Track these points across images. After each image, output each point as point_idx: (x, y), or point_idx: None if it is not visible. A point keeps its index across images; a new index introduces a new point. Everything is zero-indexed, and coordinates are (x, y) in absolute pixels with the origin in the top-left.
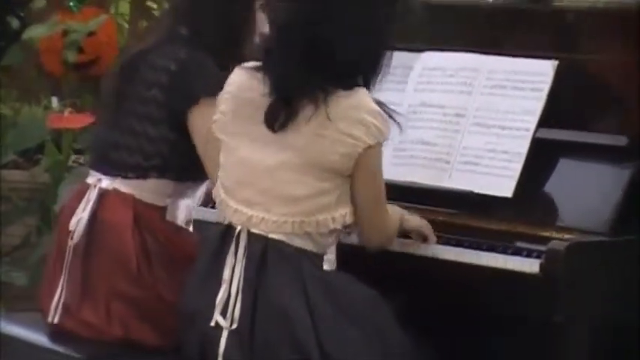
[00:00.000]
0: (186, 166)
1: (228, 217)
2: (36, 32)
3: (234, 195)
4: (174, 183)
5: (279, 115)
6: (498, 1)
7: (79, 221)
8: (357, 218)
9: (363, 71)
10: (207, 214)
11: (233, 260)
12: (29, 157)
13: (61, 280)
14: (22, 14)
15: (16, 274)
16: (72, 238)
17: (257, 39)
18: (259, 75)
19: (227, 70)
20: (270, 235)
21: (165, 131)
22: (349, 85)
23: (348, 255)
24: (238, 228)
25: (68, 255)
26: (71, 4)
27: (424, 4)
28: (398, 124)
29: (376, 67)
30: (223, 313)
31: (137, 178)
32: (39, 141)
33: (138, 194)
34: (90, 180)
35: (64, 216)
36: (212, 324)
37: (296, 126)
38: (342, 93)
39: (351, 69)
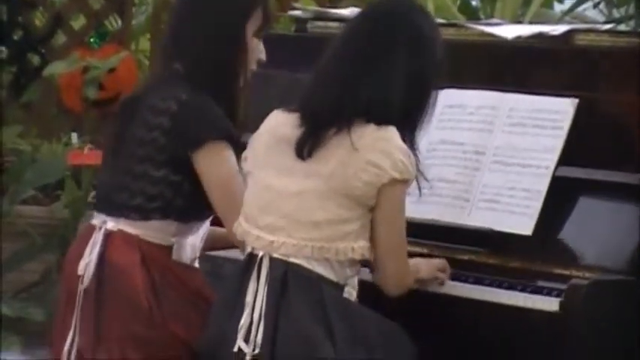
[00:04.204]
0: (190, 207)
1: (250, 244)
2: (56, 69)
3: (256, 222)
4: (177, 223)
5: (308, 141)
6: (519, 39)
7: (87, 265)
8: (375, 258)
9: (401, 113)
10: (227, 252)
11: (255, 285)
12: (49, 193)
13: (73, 324)
14: (42, 51)
15: (35, 311)
16: (82, 283)
17: (254, 66)
18: (294, 114)
19: (225, 106)
20: (291, 259)
21: (168, 173)
22: (382, 121)
23: (366, 292)
24: (260, 254)
25: (79, 299)
26: (92, 40)
27: (444, 42)
28: (417, 176)
29: (418, 111)
30: (246, 339)
31: (140, 219)
32: (58, 177)
33: (143, 234)
34: (95, 221)
35: (71, 260)
36: (235, 349)
37: (324, 155)
38: (372, 126)
39: (388, 111)
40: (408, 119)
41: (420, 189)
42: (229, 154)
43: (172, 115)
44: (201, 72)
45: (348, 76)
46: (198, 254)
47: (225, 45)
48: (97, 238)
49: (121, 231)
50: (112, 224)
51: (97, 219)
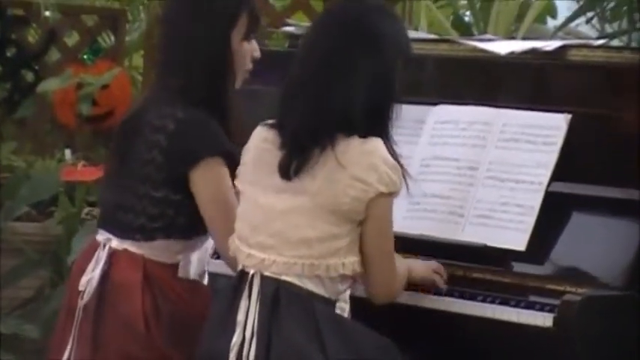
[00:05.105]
0: (192, 224)
1: (241, 262)
2: (50, 85)
3: (247, 240)
4: (181, 241)
5: (292, 164)
6: (512, 54)
7: (89, 281)
8: (365, 270)
9: (374, 121)
10: (220, 267)
11: (247, 303)
12: (42, 209)
13: (71, 339)
14: (36, 67)
15: (29, 327)
16: (82, 298)
17: (249, 66)
18: (275, 130)
19: (220, 115)
20: (282, 277)
21: (168, 193)
22: (364, 133)
23: (359, 307)
24: (251, 272)
25: (78, 314)
26: (85, 57)
27: (436, 57)
28: (407, 182)
29: (385, 118)
30: (238, 357)
31: (145, 240)
32: (52, 193)
33: (148, 254)
34: (99, 238)
35: (74, 275)
36: None
37: (310, 172)
38: (357, 140)
39: (361, 118)
40: (379, 126)
41: (408, 191)
42: (224, 171)
43: (169, 133)
44: (192, 84)
45: (317, 90)
46: (206, 267)
47: (213, 55)
48: (101, 256)
49: (126, 250)
50: (116, 243)
51: (101, 236)
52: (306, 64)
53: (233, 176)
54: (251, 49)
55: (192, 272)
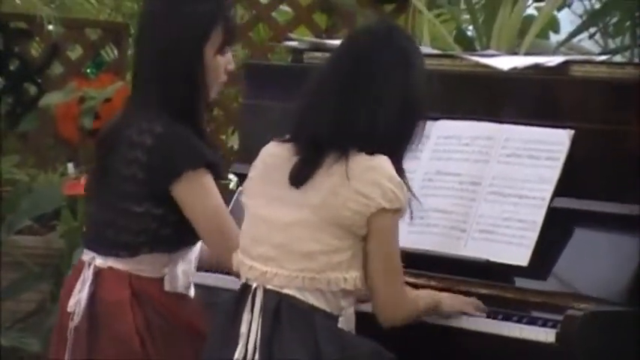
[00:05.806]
0: (177, 236)
1: (244, 275)
2: (53, 99)
3: (249, 252)
4: (167, 254)
5: (304, 168)
6: (514, 70)
7: (77, 302)
8: (370, 289)
9: (393, 140)
10: (210, 280)
11: (249, 317)
12: (44, 222)
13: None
14: (39, 81)
15: (31, 341)
16: (72, 319)
17: (224, 79)
18: (287, 144)
19: (195, 129)
20: (284, 291)
21: (150, 208)
22: (372, 150)
23: (362, 322)
24: (254, 285)
25: (70, 336)
26: (88, 70)
27: (439, 72)
28: (411, 200)
29: (407, 138)
30: None
31: (129, 256)
32: (54, 207)
33: (133, 270)
34: (85, 257)
35: (64, 295)
36: None
37: (317, 183)
38: (364, 156)
39: (378, 137)
40: (399, 144)
41: (412, 215)
42: (208, 180)
43: (148, 149)
44: (166, 95)
45: (341, 104)
46: (192, 279)
47: (185, 67)
48: (87, 276)
49: (110, 268)
50: (100, 261)
51: (86, 255)
52: (331, 77)
53: (219, 186)
54: (225, 62)
55: (179, 285)
